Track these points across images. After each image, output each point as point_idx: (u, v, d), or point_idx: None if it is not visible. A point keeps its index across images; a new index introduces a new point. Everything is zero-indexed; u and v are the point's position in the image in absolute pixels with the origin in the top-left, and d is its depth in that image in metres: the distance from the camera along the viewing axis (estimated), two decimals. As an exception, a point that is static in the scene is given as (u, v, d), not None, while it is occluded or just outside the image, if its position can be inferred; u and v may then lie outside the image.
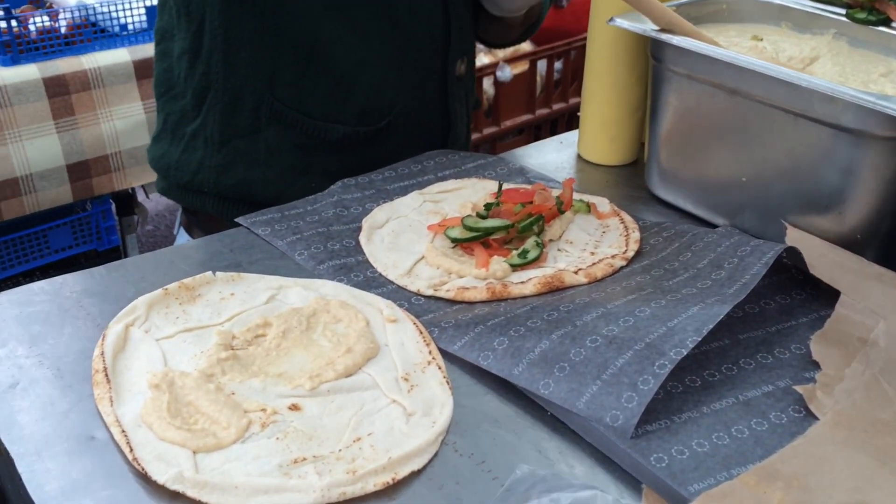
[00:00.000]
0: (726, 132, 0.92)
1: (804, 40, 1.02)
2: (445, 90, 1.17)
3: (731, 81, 0.89)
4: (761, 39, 1.01)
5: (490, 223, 0.91)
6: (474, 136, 2.90)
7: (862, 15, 0.99)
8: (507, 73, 3.03)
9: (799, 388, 0.70)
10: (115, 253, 2.34)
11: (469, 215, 0.94)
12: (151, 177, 2.21)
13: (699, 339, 0.70)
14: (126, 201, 2.36)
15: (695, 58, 0.91)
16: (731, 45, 0.99)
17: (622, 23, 0.95)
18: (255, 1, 1.03)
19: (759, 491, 0.61)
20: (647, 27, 0.94)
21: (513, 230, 0.91)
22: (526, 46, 3.16)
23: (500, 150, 2.32)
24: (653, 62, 0.98)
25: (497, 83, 2.99)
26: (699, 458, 0.65)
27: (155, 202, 3.14)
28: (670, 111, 0.97)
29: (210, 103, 1.09)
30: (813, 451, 0.64)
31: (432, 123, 1.19)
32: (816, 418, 0.68)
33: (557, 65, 3.17)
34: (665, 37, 0.92)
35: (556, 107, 3.20)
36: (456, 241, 0.91)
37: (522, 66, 3.05)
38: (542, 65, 3.11)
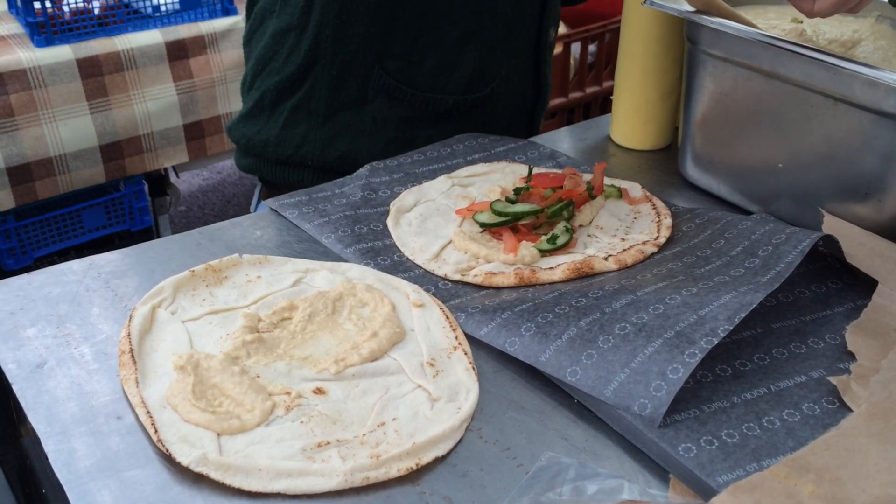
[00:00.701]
0: (763, 117, 0.90)
1: (846, 23, 0.99)
2: (538, 56, 1.21)
3: (768, 65, 0.87)
4: (801, 22, 0.98)
5: (519, 208, 0.90)
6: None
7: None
8: (541, 55, 3.00)
9: (833, 379, 0.69)
10: (148, 233, 2.36)
11: (498, 200, 0.93)
12: (184, 157, 2.23)
13: (731, 328, 0.68)
14: (159, 182, 2.37)
15: (732, 40, 0.89)
16: (770, 27, 0.96)
17: (658, 3, 0.93)
18: None
19: (790, 483, 0.60)
20: (684, 8, 0.92)
21: (542, 215, 0.90)
22: (560, 29, 3.12)
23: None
24: (688, 45, 0.95)
25: (530, 66, 2.97)
26: (728, 449, 0.63)
27: (188, 183, 3.16)
28: (706, 95, 0.95)
29: (315, 77, 1.11)
30: (846, 444, 0.63)
31: (527, 90, 1.23)
32: (850, 410, 0.67)
33: (591, 48, 3.12)
34: (702, 18, 0.90)
35: (589, 90, 3.16)
36: (484, 226, 0.90)
37: (556, 49, 3.01)
38: (575, 48, 3.07)
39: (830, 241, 0.81)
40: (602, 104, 3.25)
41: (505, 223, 0.89)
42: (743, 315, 0.69)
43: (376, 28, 1.07)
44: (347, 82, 1.11)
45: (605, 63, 3.15)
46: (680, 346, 0.68)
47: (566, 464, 0.62)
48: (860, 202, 0.85)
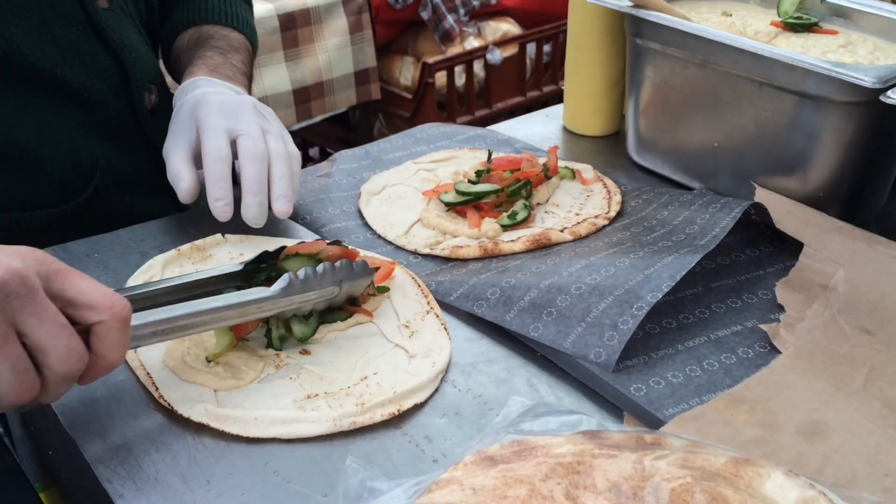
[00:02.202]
0: (699, 102, 0.99)
1: (770, 15, 1.09)
2: (139, 127, 1.05)
3: (701, 53, 0.96)
4: (730, 15, 1.07)
5: (481, 188, 0.97)
6: (466, 118, 2.97)
7: None
8: (496, 56, 3.09)
9: (764, 327, 0.78)
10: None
11: (461, 181, 1.00)
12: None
13: (673, 283, 0.77)
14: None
15: (668, 32, 0.98)
16: (703, 20, 1.05)
17: (601, 0, 1.02)
18: None
19: (728, 413, 0.68)
20: (623, 3, 1.00)
21: (502, 194, 0.98)
22: (515, 30, 3.22)
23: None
24: (629, 37, 1.04)
25: (487, 66, 3.05)
26: (674, 388, 0.72)
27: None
28: (647, 83, 1.04)
29: None
30: (776, 380, 0.72)
31: (146, 166, 1.06)
32: (779, 352, 0.75)
33: (546, 48, 3.23)
34: (640, 12, 0.99)
35: (546, 89, 3.26)
36: (450, 205, 0.97)
37: (512, 49, 3.11)
38: (531, 48, 3.17)
39: (762, 211, 0.90)
40: (558, 102, 3.35)
41: (468, 202, 0.97)
42: (683, 273, 0.78)
43: None
44: None
45: (561, 62, 3.26)
46: (629, 301, 0.76)
47: (531, 405, 0.70)
48: (787, 176, 0.94)
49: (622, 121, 1.21)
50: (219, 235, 0.90)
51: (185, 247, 0.88)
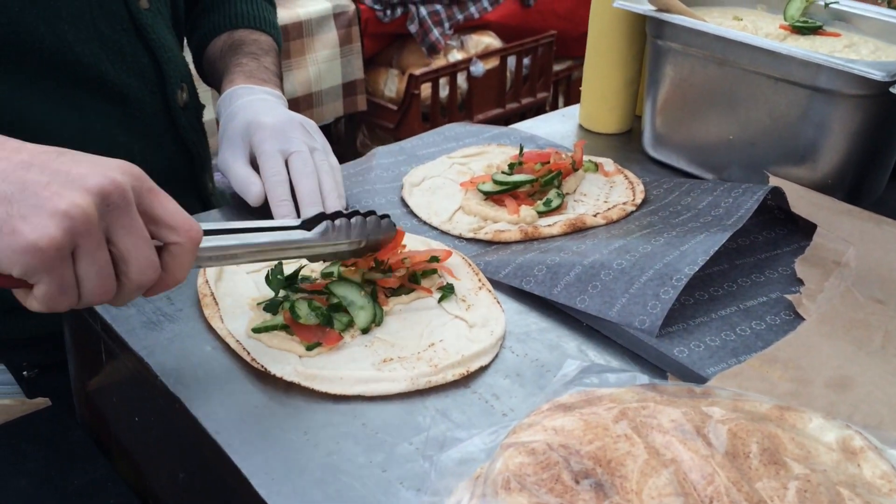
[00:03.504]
0: (716, 97, 1.08)
1: (778, 19, 1.18)
2: (175, 122, 1.12)
3: (720, 53, 1.04)
4: (741, 19, 1.16)
5: (517, 178, 1.05)
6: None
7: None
8: (479, 68, 3.18)
9: (789, 297, 0.86)
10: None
11: (496, 172, 1.08)
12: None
13: (707, 258, 0.85)
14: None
15: (689, 33, 1.06)
16: (716, 23, 1.14)
17: (625, 4, 1.10)
18: None
19: (763, 371, 0.76)
20: (647, 8, 1.09)
21: (536, 184, 1.05)
22: (496, 43, 3.32)
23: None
24: (651, 39, 1.13)
25: (470, 78, 3.14)
26: (712, 350, 0.80)
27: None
28: (667, 81, 1.12)
29: None
30: (803, 341, 0.80)
31: (177, 163, 1.14)
32: (803, 319, 0.84)
33: (526, 61, 3.32)
34: (664, 16, 1.07)
35: (524, 101, 3.35)
36: (488, 194, 1.05)
37: (493, 62, 3.20)
38: (511, 61, 3.26)
39: (777, 195, 0.98)
40: (536, 114, 3.45)
41: (505, 191, 1.04)
42: (717, 248, 0.86)
43: None
44: None
45: (539, 75, 3.35)
46: (668, 274, 0.84)
47: (586, 366, 0.77)
48: (798, 165, 1.03)
49: (636, 119, 1.30)
50: (281, 221, 0.97)
51: (250, 231, 0.95)
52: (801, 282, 0.89)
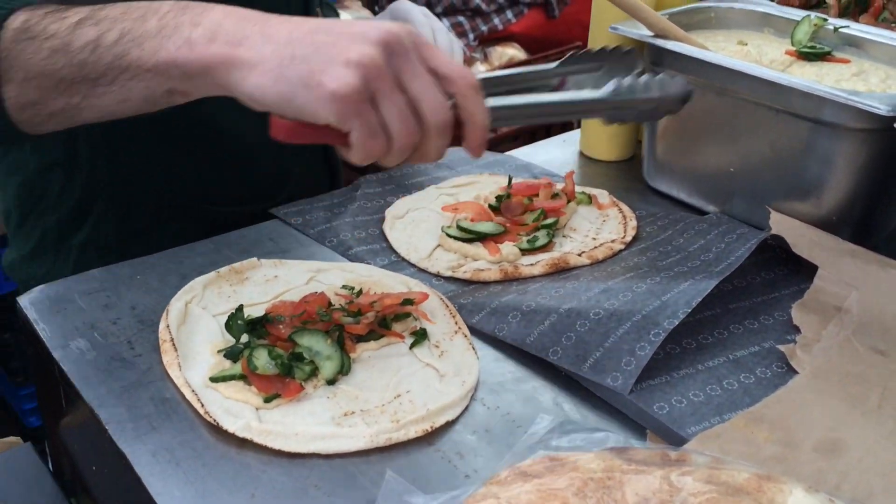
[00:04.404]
0: (716, 127, 1.03)
1: (784, 44, 1.12)
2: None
3: (719, 81, 0.99)
4: (746, 44, 1.11)
5: (481, 227, 0.99)
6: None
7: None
8: (503, 80, 3.13)
9: (782, 347, 0.80)
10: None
11: (462, 217, 1.02)
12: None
13: (689, 311, 0.79)
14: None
15: (687, 61, 1.01)
16: (719, 49, 1.09)
17: (622, 30, 1.05)
18: None
19: (748, 431, 0.71)
20: (644, 33, 1.04)
21: (526, 227, 1.00)
22: (520, 55, 3.27)
23: (499, 153, 2.42)
24: (649, 66, 1.08)
25: (494, 90, 3.10)
26: (695, 406, 0.74)
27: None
28: (664, 109, 1.07)
29: (99, 213, 1.04)
30: (794, 399, 0.74)
31: (321, 178, 1.22)
32: (797, 372, 0.78)
33: (551, 72, 3.27)
34: (660, 42, 1.02)
35: (550, 113, 3.30)
36: (454, 238, 0.99)
37: (517, 75, 3.15)
38: (535, 73, 3.21)
39: (778, 237, 0.93)
40: (563, 126, 3.39)
41: (469, 240, 0.98)
42: (699, 299, 0.81)
43: (156, 149, 1.02)
44: (136, 211, 1.05)
45: (564, 86, 3.30)
46: (646, 328, 0.79)
47: (558, 422, 0.73)
48: (802, 200, 0.97)
49: (637, 147, 1.25)
50: (254, 259, 0.93)
51: (224, 269, 0.91)
52: (797, 329, 0.84)
